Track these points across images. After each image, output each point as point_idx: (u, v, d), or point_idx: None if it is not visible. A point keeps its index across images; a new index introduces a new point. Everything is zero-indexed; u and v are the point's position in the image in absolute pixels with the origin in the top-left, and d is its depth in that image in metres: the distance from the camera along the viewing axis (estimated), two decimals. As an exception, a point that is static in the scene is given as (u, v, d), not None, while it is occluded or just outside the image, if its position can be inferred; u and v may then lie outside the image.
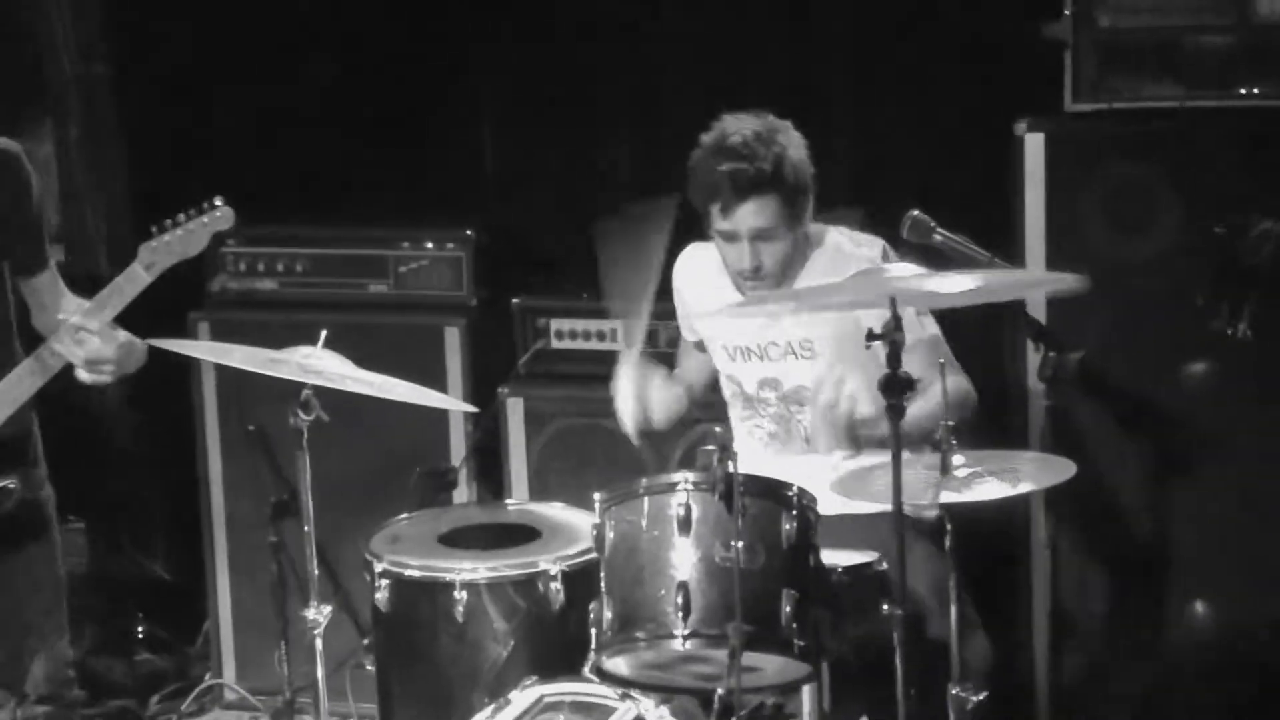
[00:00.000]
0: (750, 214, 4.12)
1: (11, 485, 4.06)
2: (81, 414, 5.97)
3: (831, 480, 3.94)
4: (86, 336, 4.00)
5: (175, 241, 4.05)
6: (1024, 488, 3.69)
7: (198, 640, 5.71)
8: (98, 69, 5.90)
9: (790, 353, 4.26)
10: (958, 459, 3.74)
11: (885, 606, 3.74)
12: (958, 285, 3.60)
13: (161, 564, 5.98)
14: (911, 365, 3.61)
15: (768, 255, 4.16)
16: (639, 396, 4.31)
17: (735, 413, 4.40)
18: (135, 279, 4.03)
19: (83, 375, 4.03)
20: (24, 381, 4.03)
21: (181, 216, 4.09)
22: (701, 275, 4.40)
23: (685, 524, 3.67)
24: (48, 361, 4.02)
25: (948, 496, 3.68)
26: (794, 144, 4.15)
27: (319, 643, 4.24)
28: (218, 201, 4.13)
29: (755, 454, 4.28)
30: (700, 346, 4.50)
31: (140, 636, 5.73)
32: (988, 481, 3.69)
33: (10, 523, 4.12)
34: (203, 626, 5.65)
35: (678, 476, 3.73)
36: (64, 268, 5.86)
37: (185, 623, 5.73)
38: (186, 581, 5.73)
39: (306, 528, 4.24)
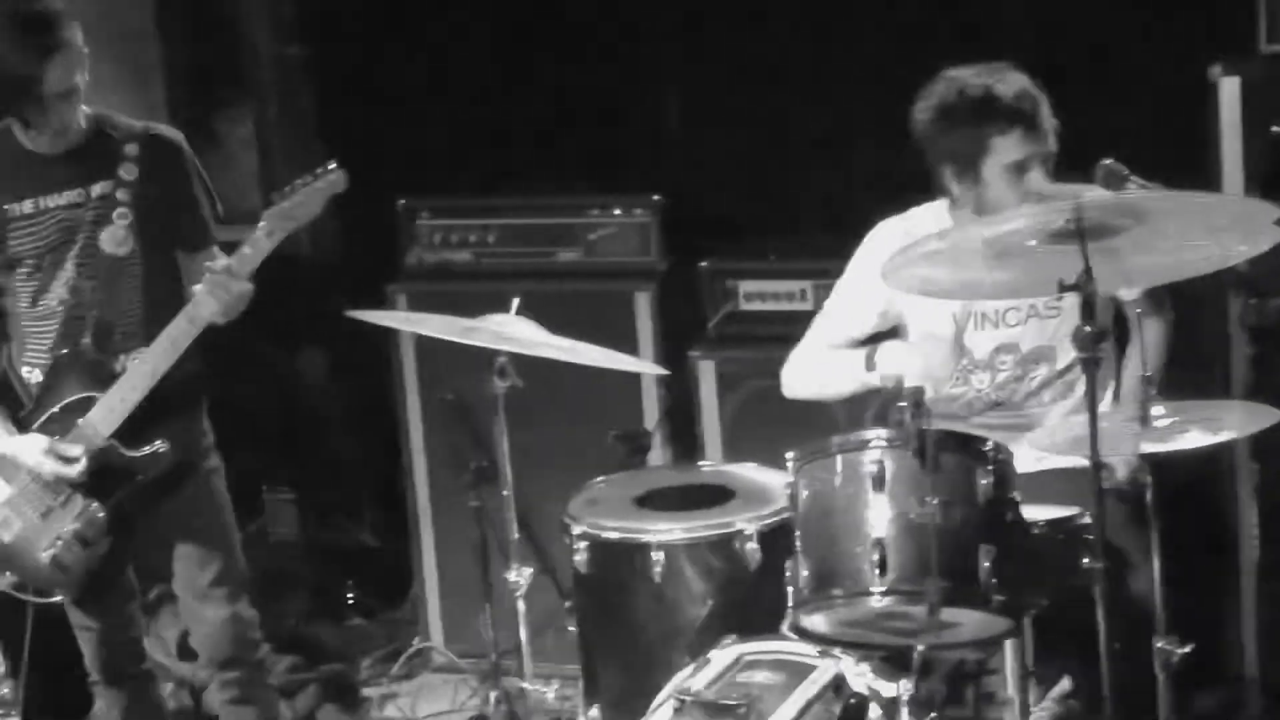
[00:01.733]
0: (1032, 141, 4.06)
1: (161, 449, 4.19)
2: (289, 387, 6.16)
3: (1030, 435, 3.91)
4: (229, 293, 4.10)
5: (292, 207, 4.15)
6: (1225, 435, 3.62)
7: (405, 605, 5.83)
8: (293, 50, 6.04)
9: (1034, 314, 4.21)
10: (1157, 409, 3.69)
11: (1085, 560, 3.69)
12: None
13: (369, 531, 6.12)
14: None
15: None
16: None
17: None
18: (258, 245, 4.13)
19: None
20: (177, 339, 4.15)
21: (298, 182, 4.16)
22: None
23: (879, 481, 3.66)
24: (196, 315, 4.14)
25: (1148, 447, 3.62)
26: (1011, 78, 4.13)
27: (521, 605, 4.32)
28: (331, 165, 4.19)
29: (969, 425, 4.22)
30: (864, 341, 4.38)
31: (350, 602, 5.88)
32: (1189, 431, 3.63)
33: (168, 485, 4.26)
34: (409, 591, 5.77)
35: (870, 434, 3.73)
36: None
37: (393, 588, 5.87)
38: (393, 548, 5.85)
39: (505, 492, 4.32)
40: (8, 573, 4.27)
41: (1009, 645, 3.88)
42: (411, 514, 5.61)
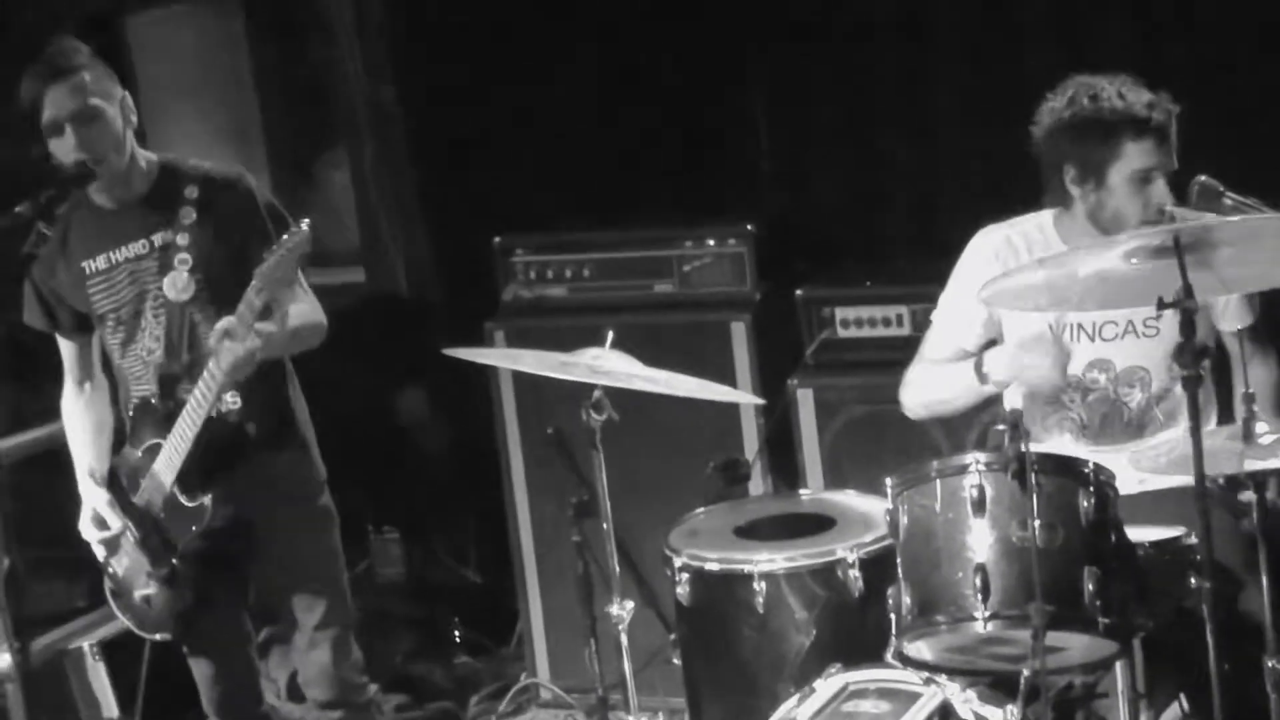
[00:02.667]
0: (1164, 150, 4.02)
1: (205, 502, 4.21)
2: (391, 427, 6.21)
3: (1131, 454, 3.86)
4: (230, 346, 4.07)
5: (271, 268, 4.02)
6: (1330, 452, 3.56)
7: (512, 641, 5.84)
8: (385, 91, 6.11)
9: (1131, 331, 4.14)
10: (1261, 426, 3.63)
11: (1193, 581, 3.64)
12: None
13: (474, 568, 6.15)
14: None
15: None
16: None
17: (1037, 407, 4.22)
18: (250, 304, 4.05)
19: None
20: (201, 398, 4.14)
21: (275, 245, 4.07)
22: (1011, 256, 4.19)
23: (979, 505, 3.64)
24: (214, 373, 4.13)
25: (1252, 464, 3.57)
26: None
27: (624, 638, 4.33)
28: (301, 224, 4.10)
29: (1065, 447, 4.17)
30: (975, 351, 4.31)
31: (457, 640, 5.90)
32: (1292, 448, 3.57)
33: (278, 526, 4.31)
34: (516, 628, 5.79)
35: (969, 458, 3.70)
36: (364, 288, 6.12)
37: (499, 625, 5.88)
38: (498, 584, 5.88)
39: (605, 525, 4.33)
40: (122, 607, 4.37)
41: (1119, 668, 3.83)
42: (515, 550, 5.63)
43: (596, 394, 4.23)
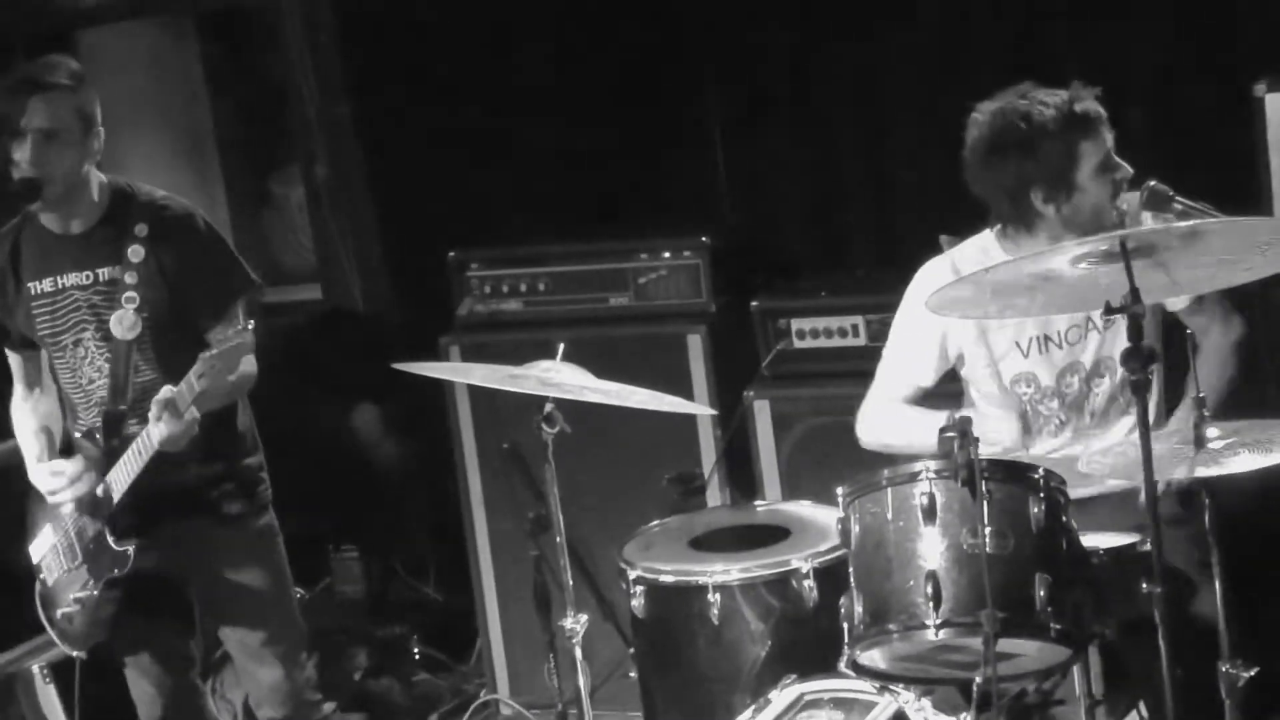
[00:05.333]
0: (1104, 132, 4.05)
1: (129, 551, 4.16)
2: (346, 445, 6.19)
3: (1084, 457, 3.86)
4: (168, 421, 4.00)
5: (216, 356, 3.93)
6: (1277, 457, 3.55)
7: (472, 658, 5.82)
8: (340, 109, 6.10)
9: (1092, 328, 4.14)
10: (1212, 431, 3.63)
11: (1144, 585, 3.64)
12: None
13: (433, 585, 6.13)
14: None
15: None
16: None
17: (1013, 423, 4.19)
18: (190, 385, 3.97)
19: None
20: (139, 452, 4.11)
21: (221, 337, 4.02)
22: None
23: (930, 513, 3.63)
24: (149, 436, 4.08)
25: (1202, 470, 3.57)
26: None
27: (579, 651, 4.31)
28: (250, 325, 4.05)
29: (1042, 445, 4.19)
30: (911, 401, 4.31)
31: (416, 657, 5.87)
32: (1242, 454, 3.56)
33: (221, 549, 4.28)
34: (476, 644, 5.76)
35: (919, 465, 3.70)
36: (320, 305, 6.10)
37: (459, 641, 5.85)
38: (457, 601, 5.85)
39: (559, 539, 4.31)
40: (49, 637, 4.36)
41: (1076, 675, 3.82)
42: (474, 566, 5.61)
43: (548, 407, 4.22)
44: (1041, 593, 3.56)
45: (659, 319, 5.35)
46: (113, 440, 4.19)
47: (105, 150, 6.05)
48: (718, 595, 4.14)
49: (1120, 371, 4.12)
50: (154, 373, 4.19)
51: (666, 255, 5.36)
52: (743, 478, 5.23)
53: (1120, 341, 4.01)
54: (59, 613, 4.30)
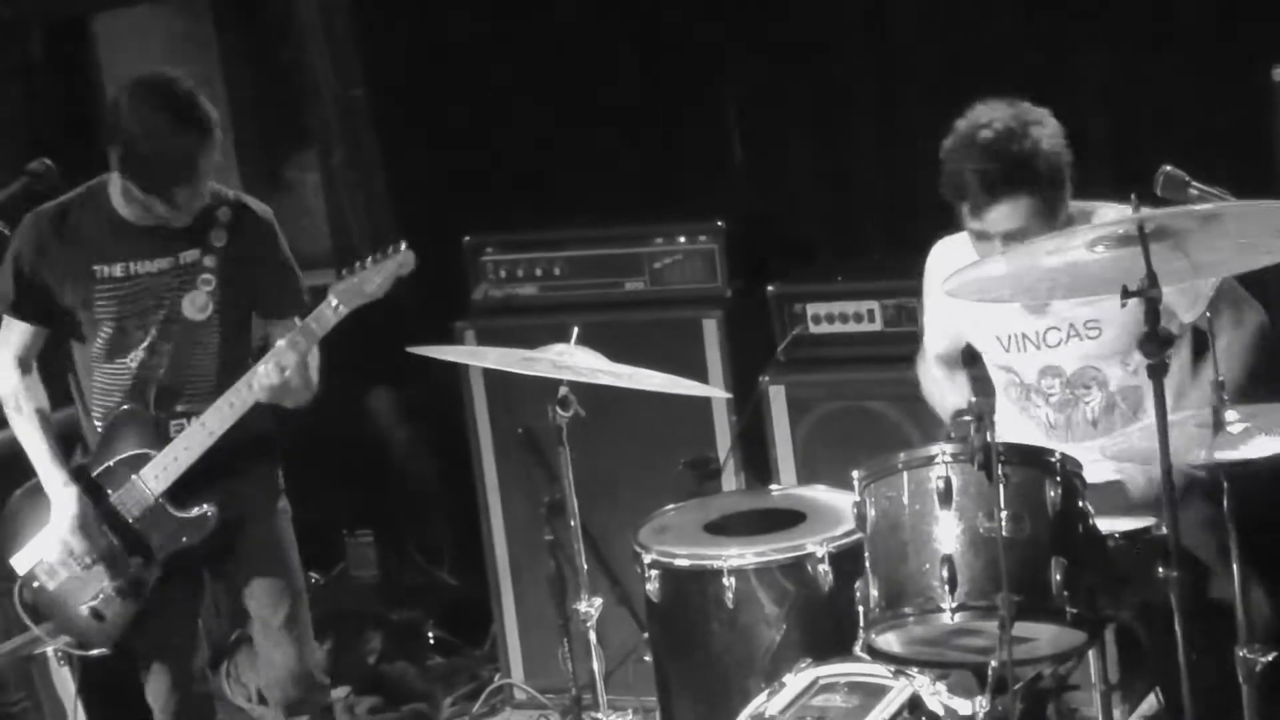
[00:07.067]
0: (1002, 216, 3.93)
1: (209, 513, 4.20)
2: (361, 430, 6.19)
3: (1102, 444, 3.85)
4: (286, 364, 4.13)
5: (360, 282, 4.15)
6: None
7: (486, 642, 5.82)
8: (355, 93, 6.09)
9: (1074, 335, 4.13)
10: (1230, 415, 3.62)
11: (1160, 570, 3.63)
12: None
13: (447, 569, 6.13)
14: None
15: None
16: None
17: (1010, 403, 4.24)
18: (323, 318, 4.15)
19: (261, 396, 4.16)
20: (235, 404, 4.17)
21: (368, 258, 4.18)
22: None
23: (946, 496, 3.63)
24: (255, 383, 4.16)
25: (1221, 454, 3.55)
26: (1048, 134, 3.96)
27: (593, 635, 4.31)
28: (401, 245, 4.20)
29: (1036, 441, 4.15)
30: (948, 361, 4.38)
31: (431, 641, 5.88)
32: (1261, 437, 3.55)
33: (239, 533, 4.29)
34: (490, 628, 5.77)
35: (935, 449, 3.69)
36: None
37: (473, 626, 5.86)
38: (471, 585, 5.85)
39: (572, 523, 4.31)
40: (50, 627, 4.28)
41: (1092, 660, 3.82)
42: (488, 550, 5.61)
43: (562, 391, 4.22)
44: (1057, 576, 3.56)
45: (674, 304, 5.34)
46: (161, 414, 4.21)
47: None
48: (733, 579, 4.14)
49: (1112, 381, 4.11)
50: (210, 360, 4.22)
51: (682, 240, 5.36)
52: (758, 462, 5.22)
53: (1107, 351, 4.04)
54: (82, 609, 4.24)
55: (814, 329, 5.17)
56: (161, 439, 4.21)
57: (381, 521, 6.16)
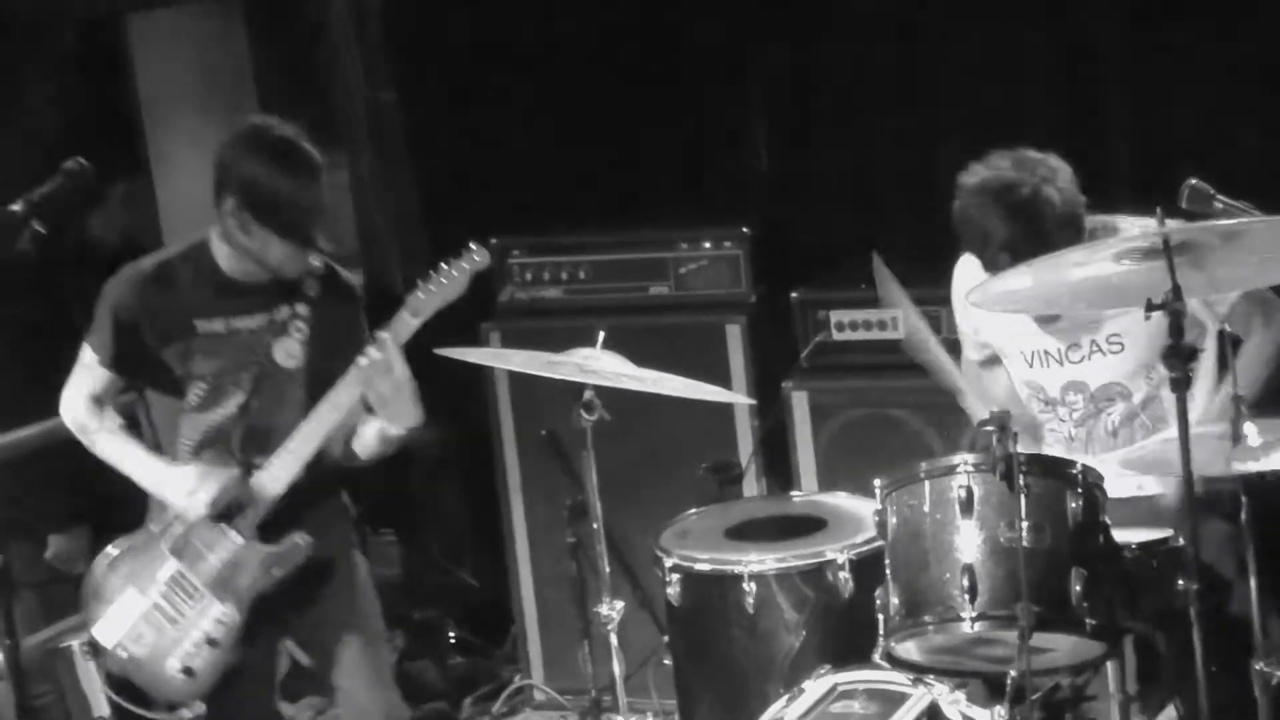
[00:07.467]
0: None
1: (300, 542, 4.16)
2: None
3: (1122, 456, 3.86)
4: (373, 373, 4.11)
5: (439, 290, 4.17)
6: (1319, 453, 3.55)
7: (506, 643, 5.85)
8: (385, 95, 6.13)
9: (1096, 350, 4.16)
10: (1250, 427, 3.63)
11: (1180, 582, 3.64)
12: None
13: (469, 570, 6.16)
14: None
15: None
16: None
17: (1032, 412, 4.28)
18: (403, 325, 4.16)
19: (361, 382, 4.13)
20: (339, 402, 4.15)
21: (443, 265, 4.20)
22: None
23: (967, 506, 3.65)
24: (339, 401, 4.14)
25: (1240, 466, 3.57)
26: (1060, 180, 4.02)
27: (614, 638, 4.33)
28: (473, 246, 4.22)
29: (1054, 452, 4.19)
30: (989, 363, 4.41)
31: (452, 641, 5.91)
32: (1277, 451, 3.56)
33: (320, 575, 4.24)
34: (510, 629, 5.79)
35: (957, 458, 3.72)
36: (362, 290, 6.10)
37: (494, 626, 5.89)
38: (493, 586, 5.88)
39: (595, 525, 4.33)
40: (131, 687, 4.22)
41: (1110, 671, 3.83)
42: (510, 551, 5.64)
43: (587, 394, 4.24)
44: (1077, 587, 3.58)
45: (699, 309, 5.37)
46: (247, 457, 4.17)
47: (150, 132, 6.15)
48: (753, 584, 4.16)
49: (1136, 395, 4.13)
50: (295, 413, 4.18)
51: (707, 245, 5.38)
52: (779, 469, 5.25)
53: (1130, 366, 4.06)
54: (173, 668, 4.15)
55: (837, 336, 5.19)
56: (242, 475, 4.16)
57: (404, 521, 6.18)
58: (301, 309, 4.20)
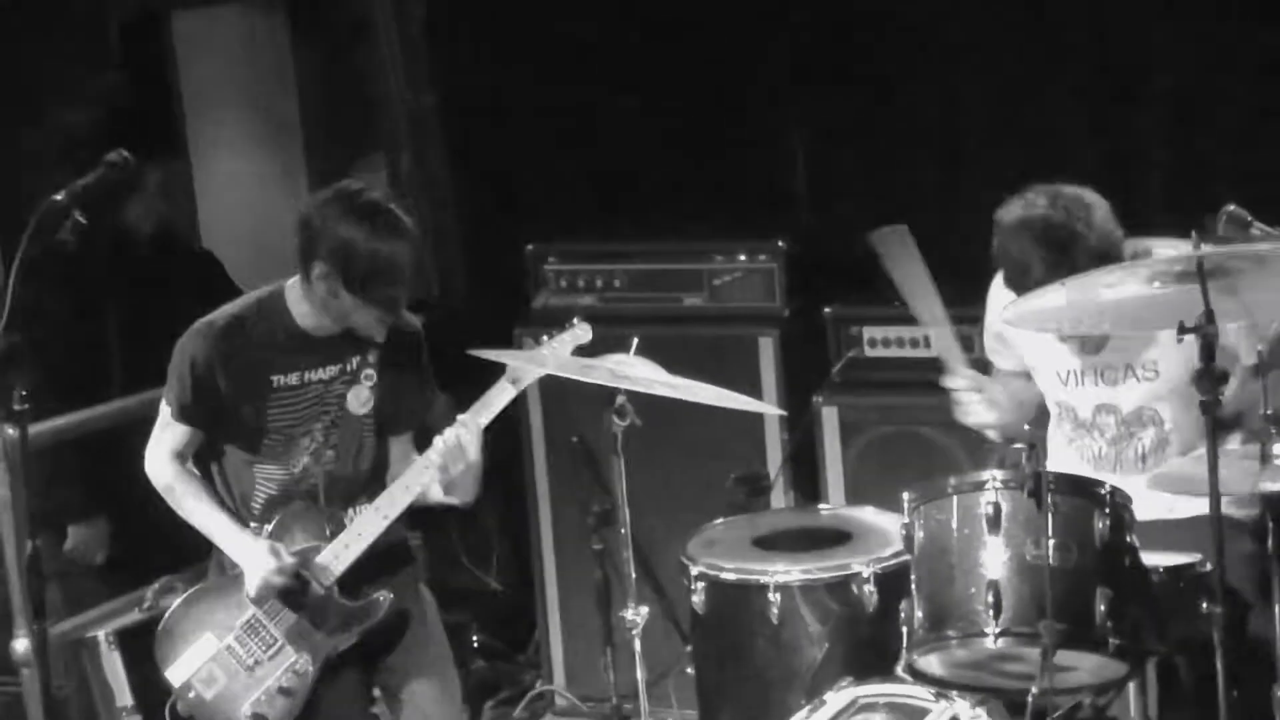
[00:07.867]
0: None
1: (381, 599, 4.18)
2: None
3: (1149, 476, 3.87)
4: (462, 440, 4.16)
5: (540, 361, 4.20)
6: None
7: (529, 648, 5.86)
8: (426, 99, 6.16)
9: (1131, 375, 4.16)
10: (1278, 448, 3.63)
11: (1204, 605, 3.64)
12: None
13: (494, 575, 6.17)
14: None
15: None
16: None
17: (1063, 432, 4.27)
18: (503, 391, 4.20)
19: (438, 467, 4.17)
20: (411, 485, 4.21)
21: (545, 337, 4.27)
22: None
23: (995, 522, 3.66)
24: (431, 461, 4.18)
25: (1268, 486, 3.57)
26: (1097, 217, 4.01)
27: (638, 643, 4.33)
28: (576, 320, 4.29)
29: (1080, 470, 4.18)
30: (1017, 375, 4.41)
31: (475, 645, 5.91)
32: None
33: (398, 628, 4.25)
34: (533, 635, 5.80)
35: (986, 475, 3.73)
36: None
37: (517, 631, 5.90)
38: (517, 591, 5.90)
39: (623, 530, 4.34)
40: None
41: (1132, 693, 3.83)
42: (535, 557, 5.65)
43: (619, 399, 4.25)
44: (1102, 607, 3.58)
45: (732, 321, 5.38)
46: (333, 508, 4.20)
47: (192, 131, 6.16)
48: (778, 595, 4.18)
49: (1167, 420, 4.13)
50: (367, 457, 4.23)
51: (742, 258, 5.40)
52: (807, 482, 5.26)
53: (1163, 391, 4.06)
54: (244, 713, 4.14)
55: (869, 352, 5.20)
56: (333, 532, 4.18)
57: (430, 524, 6.19)
58: (371, 356, 4.22)
